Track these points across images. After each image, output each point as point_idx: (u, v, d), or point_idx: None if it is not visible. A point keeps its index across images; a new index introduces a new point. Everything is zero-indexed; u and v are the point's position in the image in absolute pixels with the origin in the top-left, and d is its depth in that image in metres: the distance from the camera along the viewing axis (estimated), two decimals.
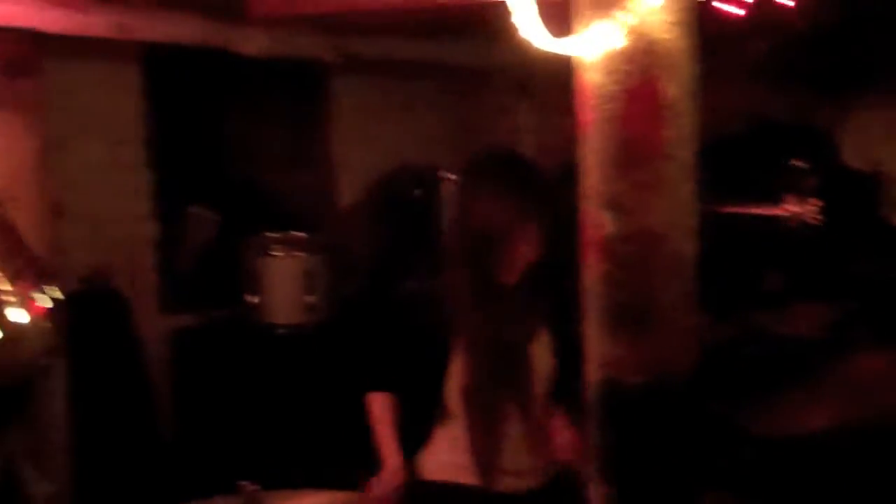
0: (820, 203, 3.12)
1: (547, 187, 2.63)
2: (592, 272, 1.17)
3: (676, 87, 1.14)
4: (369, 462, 2.28)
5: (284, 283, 3.52)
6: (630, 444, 1.14)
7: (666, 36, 1.12)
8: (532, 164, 2.65)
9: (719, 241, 3.39)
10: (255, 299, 3.50)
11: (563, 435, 2.22)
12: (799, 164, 3.27)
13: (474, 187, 2.34)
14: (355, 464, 2.30)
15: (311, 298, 3.46)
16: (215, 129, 3.87)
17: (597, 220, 1.16)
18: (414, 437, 2.36)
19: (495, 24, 2.48)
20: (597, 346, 1.16)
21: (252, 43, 3.40)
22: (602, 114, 1.16)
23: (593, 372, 1.17)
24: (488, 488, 2.28)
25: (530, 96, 4.20)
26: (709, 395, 2.61)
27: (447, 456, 2.33)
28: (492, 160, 2.41)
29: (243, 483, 1.70)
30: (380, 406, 2.35)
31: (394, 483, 2.19)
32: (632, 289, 1.14)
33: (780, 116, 3.76)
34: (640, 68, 1.13)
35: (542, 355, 2.32)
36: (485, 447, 2.29)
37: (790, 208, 3.21)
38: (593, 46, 1.14)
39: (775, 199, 3.28)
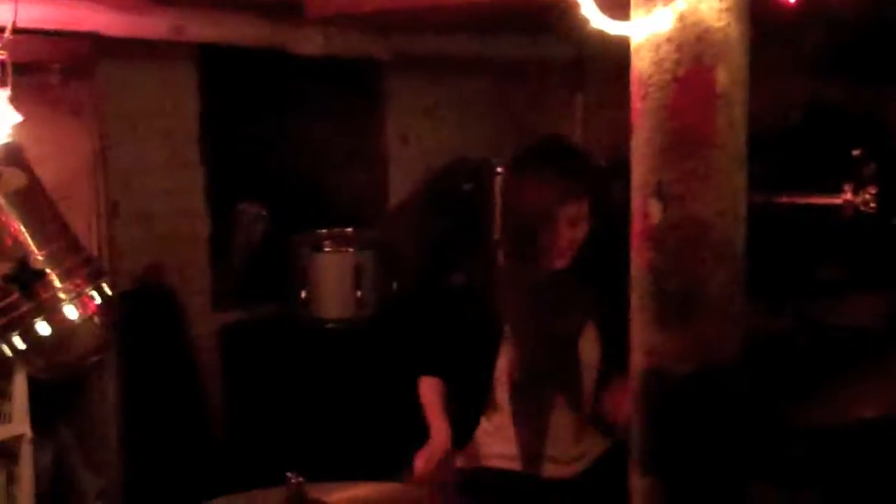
0: (877, 191, 3.06)
1: (594, 169, 2.62)
2: (640, 261, 1.16)
3: (728, 76, 1.13)
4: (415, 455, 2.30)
5: (334, 278, 3.56)
6: (675, 434, 1.13)
7: (718, 24, 1.11)
8: (578, 149, 2.66)
9: (776, 231, 3.36)
10: (305, 294, 3.54)
11: (615, 397, 2.22)
12: (857, 152, 3.22)
13: (521, 174, 2.36)
14: (402, 457, 2.32)
15: (360, 293, 3.49)
16: (268, 126, 3.92)
17: (645, 208, 1.15)
18: (462, 426, 2.38)
19: (548, 19, 2.48)
20: (642, 334, 1.15)
21: (309, 43, 3.43)
22: (652, 102, 1.15)
23: (638, 361, 1.16)
24: (533, 475, 2.30)
25: (584, 91, 4.18)
26: (760, 385, 2.58)
27: (494, 444, 2.35)
28: (538, 147, 2.42)
29: (289, 475, 1.71)
30: (429, 386, 2.38)
31: (440, 455, 2.22)
32: (679, 277, 1.13)
33: (838, 105, 3.70)
34: (690, 56, 1.12)
35: (589, 346, 2.32)
36: (531, 438, 2.30)
37: (847, 197, 3.16)
38: (645, 33, 1.14)
39: (833, 188, 3.23)
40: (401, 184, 4.12)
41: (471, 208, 3.75)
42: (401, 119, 4.14)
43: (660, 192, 1.14)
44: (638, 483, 1.19)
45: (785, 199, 3.32)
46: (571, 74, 4.14)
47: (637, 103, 1.18)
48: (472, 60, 4.04)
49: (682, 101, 1.13)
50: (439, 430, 2.28)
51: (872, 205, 3.17)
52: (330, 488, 1.81)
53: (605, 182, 2.47)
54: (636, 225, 1.18)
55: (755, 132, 3.54)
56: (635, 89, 1.18)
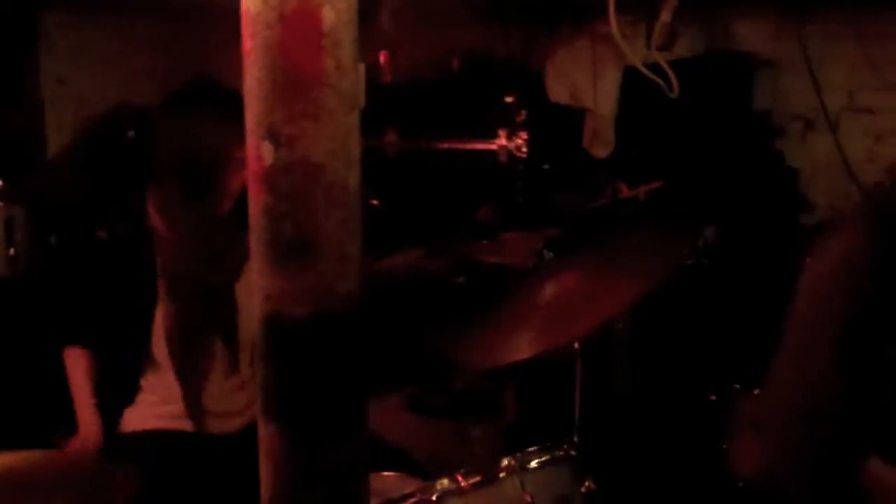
0: (528, 137, 3.25)
1: None
2: (256, 205, 1.14)
3: (335, 15, 1.12)
4: (69, 420, 2.18)
5: None
6: (295, 379, 1.13)
7: None
8: (239, 94, 2.59)
9: (436, 175, 3.48)
10: None
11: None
12: (509, 99, 3.39)
13: (187, 117, 2.27)
14: (54, 423, 2.20)
15: (12, 251, 3.25)
16: None
17: (258, 151, 1.13)
18: (125, 388, 2.28)
19: None
20: (261, 279, 1.14)
21: None
22: (261, 41, 1.12)
23: (259, 306, 1.14)
24: (199, 432, 2.26)
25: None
26: (421, 326, 2.67)
27: (157, 404, 2.28)
28: (195, 92, 2.33)
29: None
30: (75, 363, 2.25)
31: (90, 440, 2.12)
32: (293, 220, 1.12)
33: (493, 53, 3.87)
34: None
35: (247, 292, 2.30)
36: (192, 393, 2.25)
37: (502, 143, 3.33)
38: None
39: (488, 134, 3.38)
40: (58, 131, 3.85)
41: (135, 157, 3.58)
42: (58, 60, 3.86)
43: (271, 135, 1.12)
44: (263, 427, 1.17)
45: (445, 145, 3.45)
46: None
47: (247, 42, 1.14)
48: (141, 1, 3.84)
49: (289, 40, 1.11)
50: (88, 423, 2.18)
51: (524, 150, 3.37)
52: None
53: None
54: (251, 168, 1.15)
55: (417, 80, 3.64)
56: (245, 28, 1.14)
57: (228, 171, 2.21)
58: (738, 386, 3.23)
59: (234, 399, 2.30)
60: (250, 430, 2.33)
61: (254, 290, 1.18)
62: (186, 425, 2.26)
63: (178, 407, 2.26)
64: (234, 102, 2.38)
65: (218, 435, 2.29)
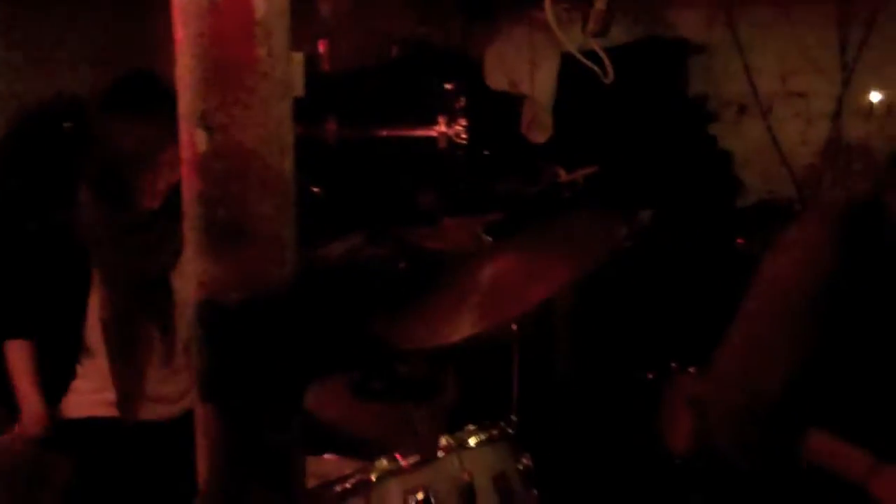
0: (467, 123, 3.28)
1: None
2: (190, 191, 1.16)
3: (267, 4, 1.14)
4: (9, 409, 2.18)
5: None
6: (229, 362, 1.15)
7: None
8: (171, 92, 2.59)
9: (377, 162, 3.50)
10: None
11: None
12: (449, 86, 3.42)
13: (112, 113, 2.26)
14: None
15: None
16: None
17: (191, 138, 1.15)
18: (60, 376, 2.28)
19: None
20: (195, 265, 1.16)
21: None
22: (192, 29, 1.14)
23: (194, 292, 1.16)
24: (133, 419, 2.27)
25: None
26: (363, 312, 2.70)
27: (92, 392, 2.28)
28: (129, 85, 2.33)
29: None
30: (15, 354, 2.25)
31: (35, 430, 2.12)
32: (226, 206, 1.14)
33: (432, 41, 3.89)
34: None
35: (184, 281, 2.31)
36: (126, 379, 2.26)
37: (441, 129, 3.36)
38: None
39: (428, 121, 3.41)
40: None
41: (70, 147, 3.54)
42: None
43: (204, 122, 1.14)
44: (200, 410, 1.20)
45: (385, 132, 3.47)
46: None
47: (179, 31, 1.16)
48: None
49: (220, 29, 1.13)
50: (30, 404, 2.18)
51: (463, 136, 3.41)
52: None
53: None
54: (185, 155, 1.17)
55: (358, 67, 3.65)
56: (177, 17, 1.16)
57: (156, 171, 2.21)
58: (674, 364, 3.31)
59: (171, 386, 2.31)
60: (187, 416, 2.35)
61: (189, 278, 1.19)
62: (116, 412, 2.27)
63: (113, 394, 2.26)
64: (166, 100, 2.38)
65: (154, 421, 2.30)
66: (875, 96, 4.06)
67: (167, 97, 2.35)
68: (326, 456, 2.26)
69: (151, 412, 2.29)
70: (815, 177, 4.33)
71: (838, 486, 1.91)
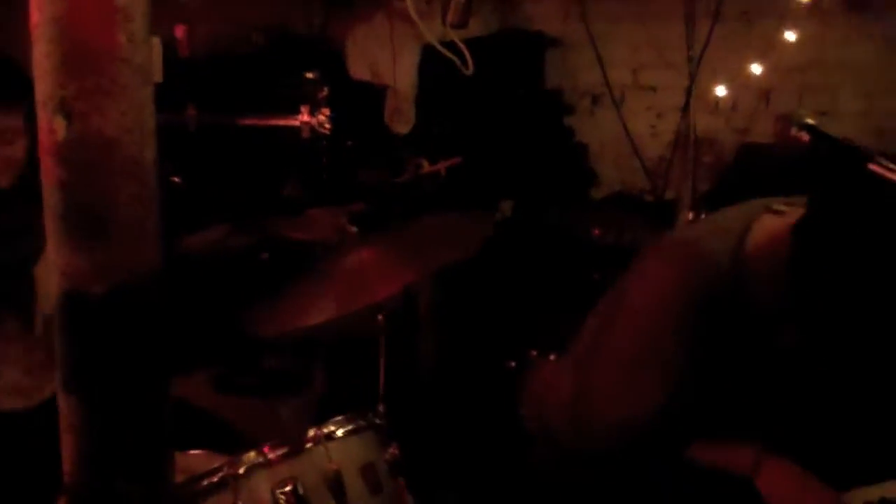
0: (330, 113, 3.27)
1: (25, 79, 2.48)
2: (49, 180, 1.13)
3: None
4: None
5: None
6: (93, 353, 1.13)
7: None
8: (12, 64, 2.50)
9: (239, 151, 3.44)
10: None
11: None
12: (311, 76, 3.40)
13: None
14: None
15: None
16: None
17: (50, 125, 1.11)
18: None
19: None
20: (57, 255, 1.12)
21: None
22: (49, 15, 1.10)
23: (56, 283, 1.13)
24: None
25: None
26: (227, 304, 2.66)
27: None
28: None
29: None
30: None
31: None
32: (88, 195, 1.12)
33: (295, 30, 3.86)
34: None
35: (46, 273, 2.23)
36: None
37: (305, 119, 3.33)
38: None
39: (291, 111, 3.38)
40: None
41: None
42: None
43: (63, 108, 1.11)
44: (63, 402, 1.17)
45: (247, 121, 3.42)
46: None
47: (35, 15, 1.12)
48: None
49: (79, 13, 1.10)
50: None
51: (327, 126, 3.40)
52: None
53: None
54: (43, 142, 1.14)
55: (218, 55, 3.57)
56: (32, 1, 1.12)
57: None
58: (534, 352, 3.39)
59: (28, 377, 2.23)
60: (46, 405, 2.28)
61: (51, 268, 1.16)
62: None
63: None
64: (24, 87, 2.29)
65: (8, 412, 2.22)
66: (721, 91, 4.24)
67: (8, 73, 2.26)
68: (193, 451, 2.23)
69: (10, 404, 2.21)
70: (665, 168, 4.50)
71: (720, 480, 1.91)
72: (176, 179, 3.18)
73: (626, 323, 1.89)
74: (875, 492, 1.91)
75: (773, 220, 1.79)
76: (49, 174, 1.14)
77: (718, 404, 1.92)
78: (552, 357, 3.29)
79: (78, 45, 1.11)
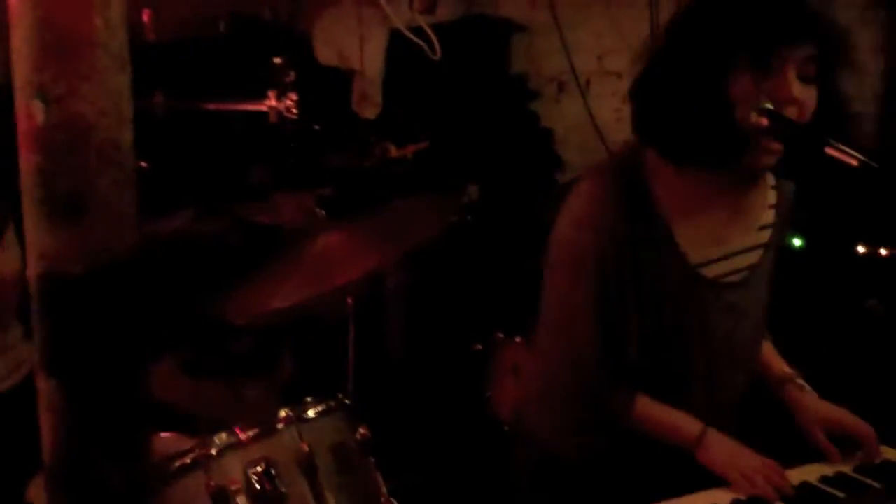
0: (297, 98, 3.28)
1: None
2: (27, 164, 1.14)
3: None
4: None
5: None
6: (71, 335, 1.14)
7: None
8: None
9: (206, 136, 3.45)
10: None
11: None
12: (278, 60, 3.40)
13: None
14: None
15: None
16: None
17: (28, 110, 1.13)
18: None
19: None
20: (34, 238, 1.14)
21: None
22: (29, 0, 1.12)
23: (33, 266, 1.15)
24: None
25: None
26: (194, 289, 2.67)
27: None
28: None
29: None
30: None
31: None
32: (65, 179, 1.13)
33: (260, 13, 3.86)
34: None
35: (9, 258, 2.23)
36: None
37: (272, 104, 3.34)
38: None
39: (258, 95, 3.38)
40: None
41: None
42: None
43: (41, 93, 1.12)
44: (43, 385, 1.18)
45: (214, 106, 3.42)
46: None
47: (13, 0, 1.13)
48: None
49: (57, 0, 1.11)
50: None
51: (294, 111, 3.40)
52: None
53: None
54: (21, 126, 1.15)
55: (185, 40, 3.57)
56: None
57: None
58: (500, 335, 3.43)
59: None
60: (19, 388, 2.28)
61: (28, 251, 1.18)
62: None
63: None
64: None
65: None
66: None
67: None
68: (163, 434, 2.24)
69: None
70: None
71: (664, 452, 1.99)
72: (143, 164, 3.18)
73: (553, 258, 2.03)
74: (814, 470, 1.99)
75: None
76: (27, 158, 1.15)
77: (656, 329, 2.00)
78: (518, 339, 3.34)
79: (56, 29, 1.12)
